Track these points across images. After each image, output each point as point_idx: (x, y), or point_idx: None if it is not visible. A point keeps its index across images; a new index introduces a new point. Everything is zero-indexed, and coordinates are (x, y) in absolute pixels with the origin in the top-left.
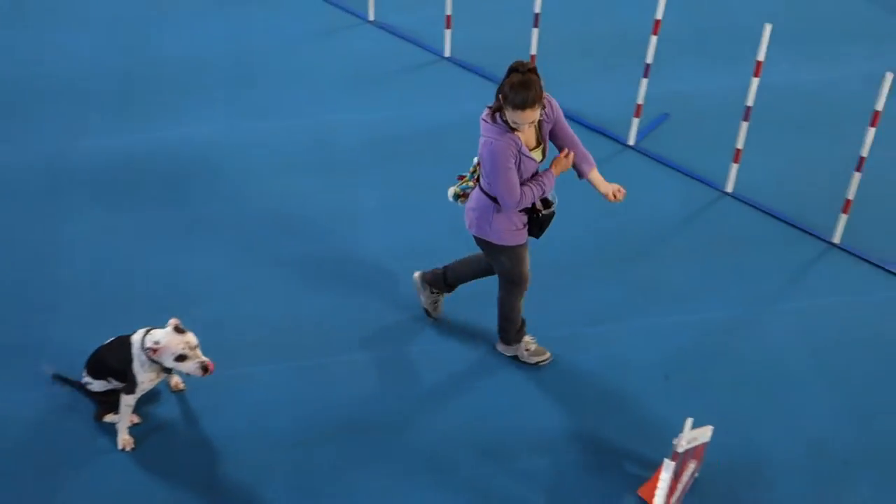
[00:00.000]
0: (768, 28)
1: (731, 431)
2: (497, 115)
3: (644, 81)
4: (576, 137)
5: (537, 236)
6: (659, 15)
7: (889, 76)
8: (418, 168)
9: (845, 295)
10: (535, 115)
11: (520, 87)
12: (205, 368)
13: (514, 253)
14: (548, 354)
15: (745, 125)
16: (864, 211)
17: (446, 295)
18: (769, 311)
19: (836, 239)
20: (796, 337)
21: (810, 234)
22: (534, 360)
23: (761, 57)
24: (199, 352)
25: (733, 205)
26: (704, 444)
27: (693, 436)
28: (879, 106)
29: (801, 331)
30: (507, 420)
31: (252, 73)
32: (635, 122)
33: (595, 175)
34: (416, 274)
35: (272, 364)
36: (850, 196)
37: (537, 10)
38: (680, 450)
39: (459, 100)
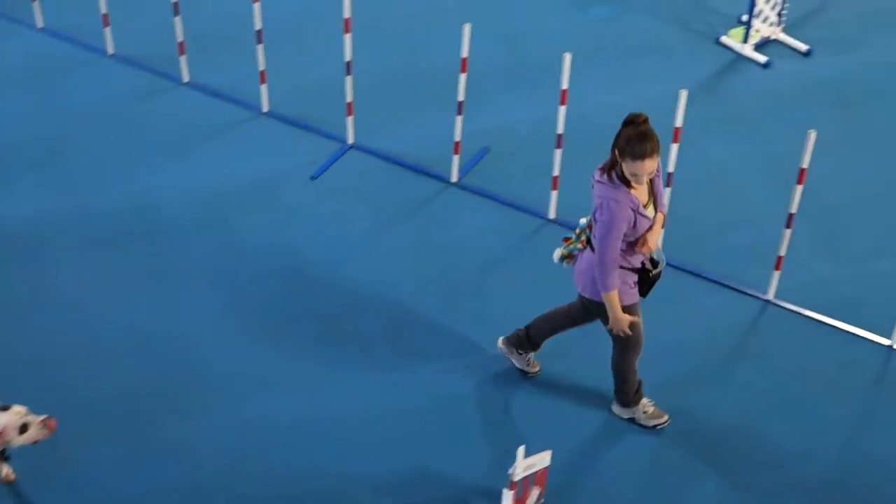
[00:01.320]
0: (568, 57)
1: (578, 453)
2: (612, 173)
3: (459, 119)
4: (661, 188)
5: (645, 295)
6: (465, 53)
7: (683, 93)
8: (249, 226)
9: (670, 303)
10: (654, 165)
11: (639, 137)
12: (49, 425)
13: (628, 311)
14: (666, 417)
15: (558, 152)
16: (680, 223)
17: (533, 353)
18: (598, 331)
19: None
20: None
21: None
22: (652, 423)
23: (565, 85)
24: (31, 415)
25: (557, 231)
26: (545, 469)
27: (530, 462)
28: (678, 122)
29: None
30: (346, 465)
31: (63, 147)
32: (456, 158)
33: (660, 217)
34: (500, 340)
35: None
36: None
37: (348, 57)
38: (516, 478)
39: (282, 153)
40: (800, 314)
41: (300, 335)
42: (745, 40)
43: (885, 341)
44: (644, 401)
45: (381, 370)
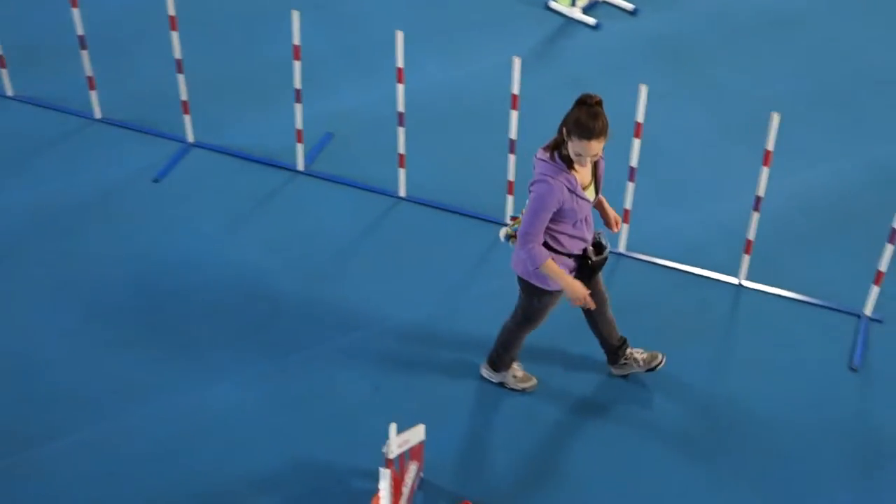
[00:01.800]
0: (400, 35)
1: (452, 424)
2: (555, 152)
3: (298, 107)
4: (602, 172)
5: (587, 282)
6: (296, 41)
7: (517, 60)
8: (95, 237)
9: None
10: (600, 147)
11: (588, 117)
12: None
13: (550, 298)
14: (534, 380)
15: (402, 130)
16: (525, 188)
17: (629, 350)
18: (463, 300)
19: (508, 220)
20: (493, 320)
21: (484, 219)
22: (520, 386)
23: (400, 64)
24: None
25: (409, 208)
26: (421, 443)
27: (404, 439)
28: (515, 90)
29: (497, 312)
30: (225, 466)
31: None
32: (300, 147)
33: (603, 200)
34: (612, 370)
35: None
36: (511, 178)
37: (178, 55)
38: (391, 456)
39: (121, 159)
40: (651, 263)
41: (161, 342)
42: (574, 4)
43: (733, 280)
44: (514, 365)
45: (250, 365)
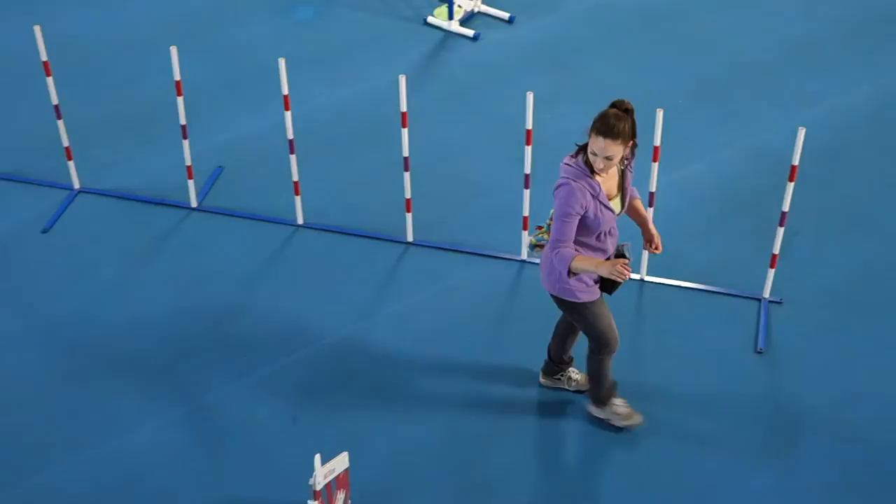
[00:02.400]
0: (283, 62)
1: (376, 447)
2: (580, 157)
3: (186, 143)
4: (630, 183)
5: (610, 293)
6: (177, 76)
7: (402, 78)
8: None
9: (433, 284)
10: (615, 149)
11: (610, 116)
12: None
13: (588, 310)
14: (639, 417)
15: (293, 158)
16: (426, 204)
17: (570, 368)
18: (374, 321)
19: (410, 237)
20: (406, 339)
21: (385, 239)
22: (624, 423)
23: (286, 91)
24: None
25: (308, 234)
26: (346, 471)
27: (329, 468)
28: (403, 107)
29: (409, 330)
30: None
31: None
32: (191, 183)
33: (647, 219)
34: (541, 379)
35: None
36: (408, 195)
37: (55, 101)
38: (318, 487)
39: (6, 212)
40: None
41: (66, 398)
42: (451, 17)
43: (634, 276)
44: (616, 400)
45: (164, 410)
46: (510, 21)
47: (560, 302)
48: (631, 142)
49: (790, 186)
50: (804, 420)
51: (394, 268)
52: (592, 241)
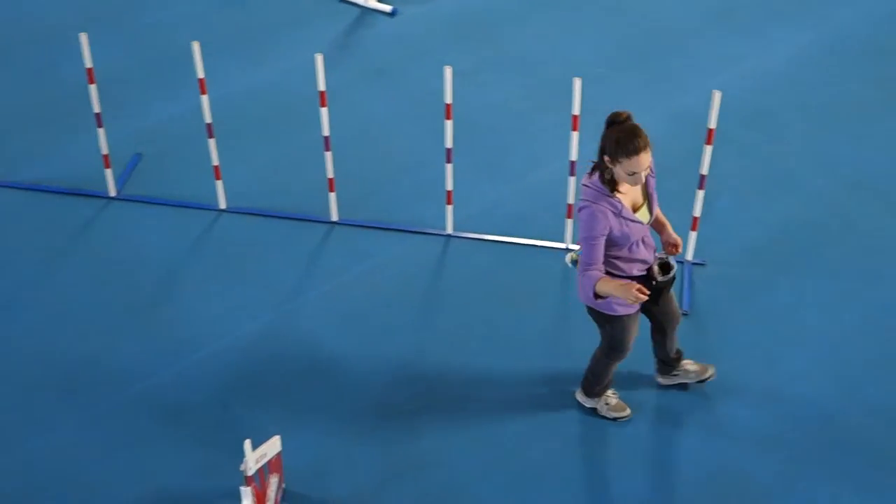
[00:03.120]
0: (197, 45)
1: (308, 429)
2: (595, 176)
3: (101, 131)
4: (654, 187)
5: (653, 305)
6: (88, 63)
7: (319, 57)
8: None
9: (360, 262)
10: (649, 158)
11: (628, 134)
12: None
13: (621, 323)
14: (628, 410)
15: (212, 142)
16: (351, 182)
17: (683, 361)
18: (301, 303)
19: (335, 217)
20: (334, 320)
21: (310, 220)
22: (613, 415)
23: (201, 74)
24: None
25: (231, 219)
26: (279, 455)
27: (261, 453)
28: (322, 86)
29: (336, 311)
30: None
31: None
32: (109, 172)
33: (665, 223)
34: (659, 378)
35: None
36: (331, 175)
37: None
38: (250, 472)
39: None
40: (480, 240)
41: None
42: None
43: (560, 245)
44: (608, 392)
45: (89, 406)
46: None
47: (594, 313)
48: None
49: (708, 149)
50: (730, 378)
51: (319, 248)
52: (625, 252)
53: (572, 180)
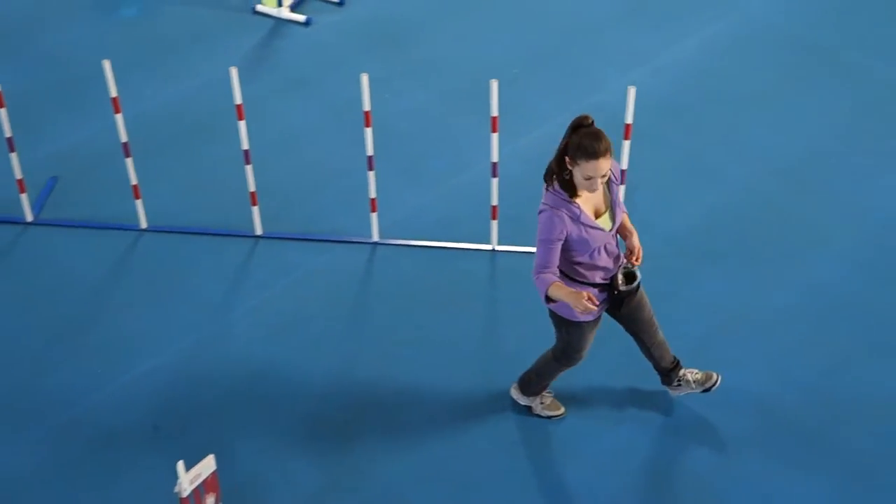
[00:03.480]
0: (108, 64)
1: (243, 446)
2: (555, 181)
3: (13, 155)
4: (618, 194)
5: (617, 315)
6: None
7: (234, 70)
8: None
9: (287, 275)
10: (608, 165)
11: (589, 137)
12: None
13: (580, 330)
14: (563, 409)
15: (129, 161)
16: (274, 195)
17: (683, 371)
18: (228, 319)
19: (259, 230)
20: (264, 334)
21: (233, 235)
22: (547, 413)
23: (114, 93)
24: None
25: (153, 238)
26: (214, 473)
27: (195, 473)
28: (238, 100)
29: (266, 325)
30: None
31: None
32: (24, 197)
33: (632, 231)
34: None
35: None
36: (252, 189)
37: None
38: (184, 494)
39: None
40: (407, 246)
41: None
42: (280, 4)
43: (486, 247)
44: (544, 392)
45: (18, 433)
46: (340, 3)
47: (553, 316)
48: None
49: (626, 144)
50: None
51: (245, 263)
52: (587, 259)
53: (495, 182)
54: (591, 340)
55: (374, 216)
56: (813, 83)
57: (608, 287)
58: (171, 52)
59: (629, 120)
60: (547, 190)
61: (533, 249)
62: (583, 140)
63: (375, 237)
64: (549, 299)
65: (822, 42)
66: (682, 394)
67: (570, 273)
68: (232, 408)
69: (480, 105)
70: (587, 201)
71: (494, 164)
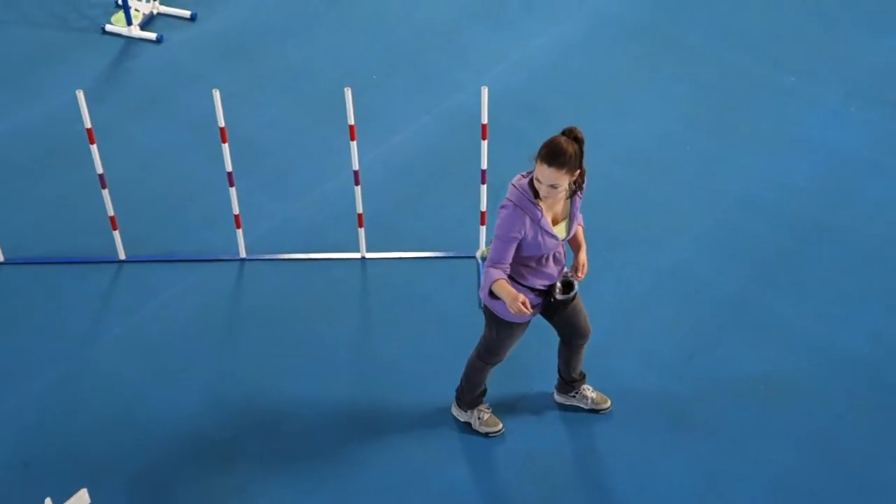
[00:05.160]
0: None
1: (117, 475)
2: (526, 180)
3: None
4: (578, 211)
5: (551, 319)
6: None
7: (80, 94)
8: None
9: (153, 298)
10: (560, 178)
11: (554, 144)
12: None
13: (508, 330)
14: (501, 426)
15: None
16: (132, 219)
17: (584, 386)
18: (96, 348)
19: (122, 255)
20: (133, 359)
21: (97, 262)
22: (485, 430)
23: None
24: None
25: (13, 270)
26: None
27: None
28: (87, 123)
29: (136, 350)
30: None
31: None
32: None
33: (581, 245)
34: (556, 396)
35: None
36: (111, 213)
37: None
38: None
39: None
40: (275, 260)
41: None
42: (129, 23)
43: (356, 255)
44: (481, 406)
45: None
46: (192, 18)
47: (488, 312)
48: (578, 171)
49: (484, 144)
50: (537, 361)
51: (109, 289)
52: (534, 264)
53: (358, 189)
54: (515, 343)
55: (239, 232)
56: (658, 71)
57: (545, 294)
58: (18, 75)
59: (484, 120)
60: (514, 186)
61: (405, 254)
62: (550, 142)
63: (243, 253)
64: (491, 294)
65: (664, 30)
66: (566, 403)
67: (516, 275)
68: (104, 438)
69: (340, 113)
70: (549, 207)
71: (356, 173)
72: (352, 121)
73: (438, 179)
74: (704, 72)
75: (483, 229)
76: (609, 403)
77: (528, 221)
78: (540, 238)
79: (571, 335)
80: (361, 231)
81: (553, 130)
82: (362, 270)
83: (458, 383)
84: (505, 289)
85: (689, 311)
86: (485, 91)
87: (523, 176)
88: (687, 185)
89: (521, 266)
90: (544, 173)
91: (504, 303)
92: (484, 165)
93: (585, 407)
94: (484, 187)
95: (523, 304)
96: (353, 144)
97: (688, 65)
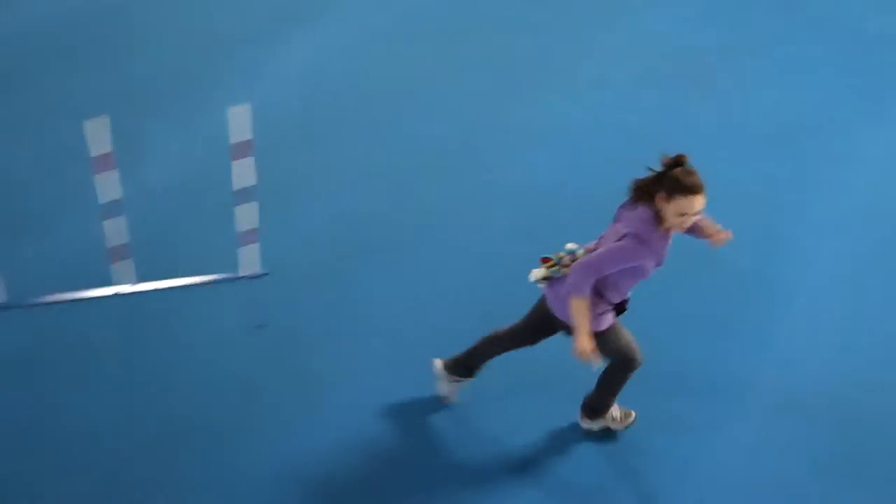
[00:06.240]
0: None
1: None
2: (643, 210)
3: None
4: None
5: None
6: None
7: None
8: None
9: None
10: (703, 202)
11: (692, 173)
12: None
13: (613, 331)
14: (634, 413)
15: None
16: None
17: (468, 380)
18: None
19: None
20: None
21: None
22: (623, 424)
23: None
24: None
25: None
26: None
27: None
28: None
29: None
30: None
31: None
32: None
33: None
34: (438, 362)
35: None
36: None
37: None
38: None
39: None
40: (38, 304)
41: None
42: None
43: (109, 291)
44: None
45: None
46: None
47: (596, 338)
48: None
49: (235, 165)
50: (328, 374)
51: None
52: (629, 283)
53: (108, 223)
54: (631, 335)
55: None
56: (461, 67)
57: (617, 310)
58: None
59: (234, 140)
60: (645, 220)
61: (173, 283)
62: (682, 177)
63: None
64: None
65: (465, 25)
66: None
67: (604, 290)
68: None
69: (85, 156)
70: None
71: (103, 205)
72: (95, 153)
73: (196, 203)
74: (503, 64)
75: (247, 249)
76: (455, 397)
77: (648, 257)
78: (651, 269)
79: (539, 340)
80: (122, 264)
81: (356, 136)
82: (131, 307)
83: (595, 399)
84: (584, 326)
85: (505, 300)
86: (234, 112)
87: (632, 203)
88: (490, 180)
89: (616, 283)
90: (694, 204)
91: (593, 314)
92: (236, 186)
93: (443, 392)
94: (239, 208)
95: (589, 351)
96: (100, 177)
97: (487, 58)
